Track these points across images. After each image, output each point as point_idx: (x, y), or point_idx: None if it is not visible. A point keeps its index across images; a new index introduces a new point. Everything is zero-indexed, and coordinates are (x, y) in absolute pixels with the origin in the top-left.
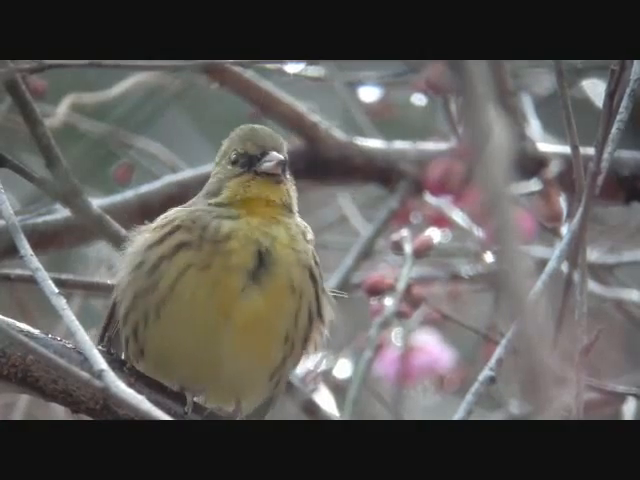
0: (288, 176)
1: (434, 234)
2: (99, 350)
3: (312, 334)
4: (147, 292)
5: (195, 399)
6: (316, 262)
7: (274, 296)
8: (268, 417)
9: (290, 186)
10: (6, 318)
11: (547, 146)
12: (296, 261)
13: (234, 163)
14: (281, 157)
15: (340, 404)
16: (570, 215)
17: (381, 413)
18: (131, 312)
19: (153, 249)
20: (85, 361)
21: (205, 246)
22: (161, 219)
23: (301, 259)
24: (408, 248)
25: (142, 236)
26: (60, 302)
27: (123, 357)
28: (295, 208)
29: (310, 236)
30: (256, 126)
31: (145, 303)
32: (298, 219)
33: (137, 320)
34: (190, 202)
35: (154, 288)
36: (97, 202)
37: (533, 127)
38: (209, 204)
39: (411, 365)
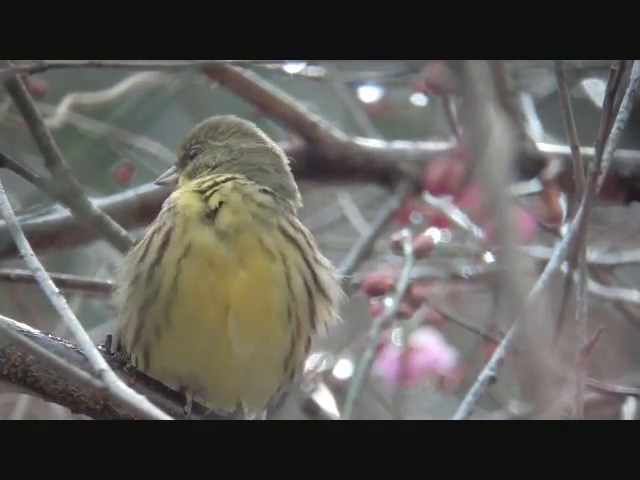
0: (194, 159)
1: (434, 234)
2: (99, 350)
3: (318, 311)
4: (150, 302)
5: (196, 399)
6: (294, 226)
7: (250, 256)
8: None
9: (200, 163)
10: (6, 318)
11: (547, 146)
12: (252, 210)
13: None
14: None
15: (340, 404)
16: (570, 215)
17: (381, 413)
18: (141, 329)
19: (144, 261)
20: (85, 361)
21: (172, 235)
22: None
23: (258, 210)
24: (408, 248)
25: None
26: (60, 302)
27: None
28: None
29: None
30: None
31: (153, 315)
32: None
33: (148, 337)
34: None
35: (156, 295)
36: (97, 202)
37: (533, 127)
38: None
39: (411, 365)
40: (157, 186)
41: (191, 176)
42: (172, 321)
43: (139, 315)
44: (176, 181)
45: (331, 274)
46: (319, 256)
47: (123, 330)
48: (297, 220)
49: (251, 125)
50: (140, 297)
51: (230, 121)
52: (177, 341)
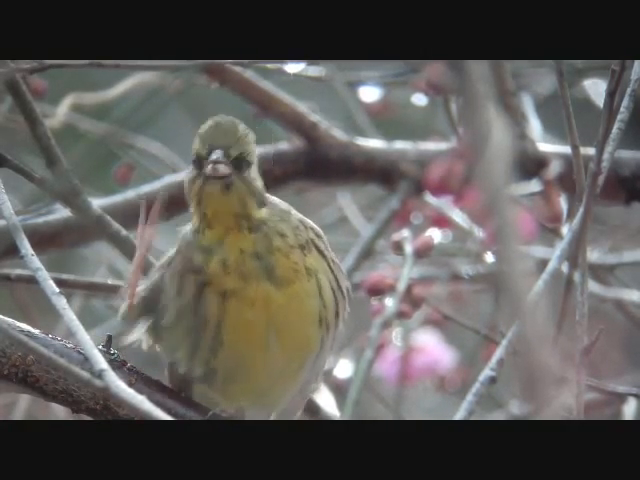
0: (248, 172)
1: (435, 234)
2: (99, 350)
3: (340, 310)
4: (198, 331)
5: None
6: (316, 233)
7: (290, 288)
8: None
9: (248, 184)
10: (6, 318)
11: (547, 146)
12: (288, 248)
13: (193, 164)
14: (219, 156)
15: (341, 404)
16: (570, 215)
17: (382, 413)
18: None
19: (182, 295)
20: (85, 361)
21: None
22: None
23: (292, 244)
24: (409, 248)
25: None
26: (60, 302)
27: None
28: (263, 199)
29: (293, 217)
30: (218, 120)
31: (204, 342)
32: (271, 207)
33: (206, 356)
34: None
35: (204, 325)
36: (97, 202)
37: (533, 127)
38: (192, 231)
39: (412, 365)
40: (158, 185)
41: (250, 185)
42: (224, 342)
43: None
44: (229, 181)
45: (341, 268)
46: (333, 255)
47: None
48: (310, 221)
49: None
50: (190, 324)
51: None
52: (228, 358)
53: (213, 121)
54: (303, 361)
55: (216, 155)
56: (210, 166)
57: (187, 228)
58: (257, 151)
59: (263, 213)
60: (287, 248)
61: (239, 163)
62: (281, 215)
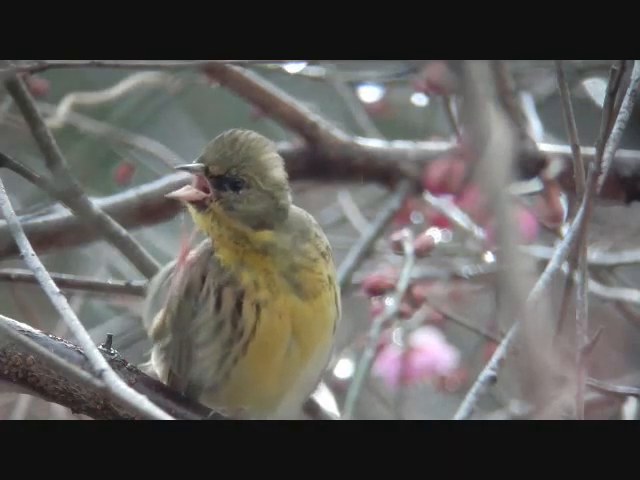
0: (235, 193)
1: (435, 234)
2: (100, 350)
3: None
4: (232, 341)
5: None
6: (316, 234)
7: (317, 300)
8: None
9: (228, 206)
10: (7, 318)
11: (548, 146)
12: (307, 264)
13: None
14: (192, 173)
15: (341, 404)
16: (571, 215)
17: (382, 413)
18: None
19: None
20: (86, 361)
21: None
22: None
23: (315, 257)
24: (409, 248)
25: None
26: (61, 302)
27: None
28: (267, 220)
29: (312, 227)
30: (227, 132)
31: (233, 351)
32: (287, 224)
33: (229, 365)
34: None
35: (239, 336)
36: (97, 202)
37: (534, 127)
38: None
39: (412, 365)
40: (158, 185)
41: (230, 208)
42: (248, 351)
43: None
44: (204, 202)
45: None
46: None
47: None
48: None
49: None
50: (227, 337)
51: (273, 156)
52: (248, 364)
53: (223, 133)
54: (316, 368)
55: (189, 172)
56: (183, 187)
57: (204, 245)
58: (276, 172)
59: (267, 236)
60: (310, 263)
61: (220, 182)
62: (300, 227)
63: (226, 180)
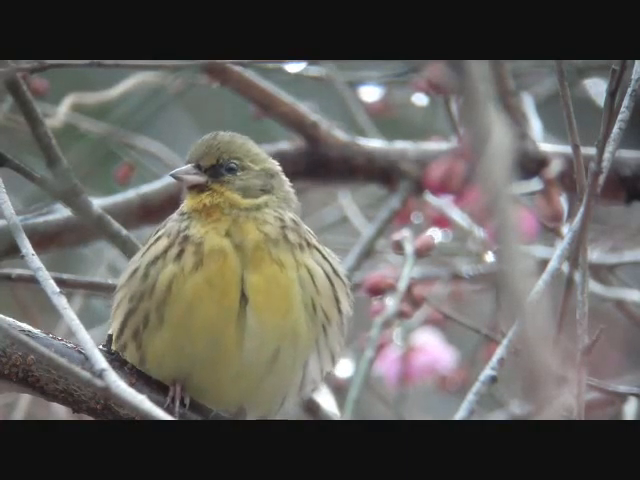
0: (229, 176)
1: (435, 234)
2: (100, 350)
3: (341, 297)
4: (143, 296)
5: (184, 396)
6: (295, 221)
7: (261, 264)
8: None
9: (226, 183)
10: (7, 318)
11: (548, 146)
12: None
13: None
14: (188, 169)
15: (341, 404)
16: (571, 215)
17: (382, 413)
18: (130, 317)
19: (145, 256)
20: (86, 361)
21: (187, 250)
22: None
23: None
24: (409, 248)
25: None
26: (61, 301)
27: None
28: (256, 193)
29: (287, 216)
30: (204, 137)
31: (144, 307)
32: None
33: (137, 324)
34: None
35: (151, 292)
36: (98, 202)
37: (534, 127)
38: (180, 214)
39: (412, 365)
40: (158, 185)
41: (240, 191)
42: (165, 319)
43: (129, 305)
44: (205, 185)
45: (339, 261)
46: (330, 251)
47: (114, 309)
48: (311, 236)
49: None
50: (134, 289)
51: (252, 145)
52: (171, 338)
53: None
54: (289, 356)
55: (185, 169)
56: (183, 175)
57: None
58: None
59: (258, 200)
60: (262, 236)
61: (214, 171)
62: (279, 208)
63: (220, 167)
